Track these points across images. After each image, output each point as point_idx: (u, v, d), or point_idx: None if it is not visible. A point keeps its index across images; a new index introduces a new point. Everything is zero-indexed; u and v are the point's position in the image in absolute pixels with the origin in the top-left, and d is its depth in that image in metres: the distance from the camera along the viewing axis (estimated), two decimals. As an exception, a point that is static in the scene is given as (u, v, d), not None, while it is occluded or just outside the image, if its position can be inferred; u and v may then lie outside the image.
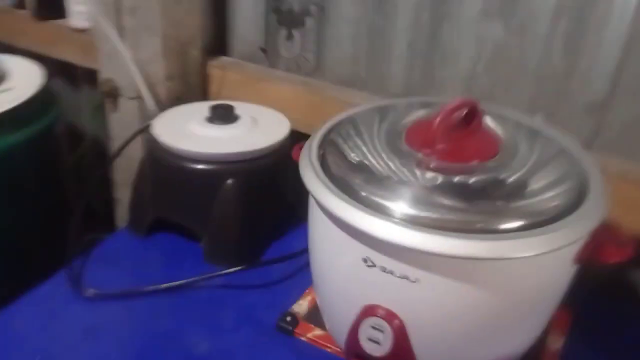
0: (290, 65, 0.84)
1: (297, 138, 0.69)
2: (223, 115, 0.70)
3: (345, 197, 0.43)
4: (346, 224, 0.41)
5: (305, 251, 0.59)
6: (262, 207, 0.68)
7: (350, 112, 0.56)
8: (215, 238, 0.67)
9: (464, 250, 0.38)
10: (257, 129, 0.70)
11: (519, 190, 0.43)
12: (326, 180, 0.45)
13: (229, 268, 0.63)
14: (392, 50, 0.74)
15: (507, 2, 0.64)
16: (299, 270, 0.65)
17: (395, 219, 0.41)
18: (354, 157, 0.47)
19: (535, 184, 0.43)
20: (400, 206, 0.41)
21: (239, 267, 0.62)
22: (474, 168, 0.45)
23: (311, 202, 0.48)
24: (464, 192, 0.42)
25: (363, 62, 0.77)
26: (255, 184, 0.67)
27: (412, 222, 0.40)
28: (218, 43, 0.88)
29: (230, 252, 0.67)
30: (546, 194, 0.43)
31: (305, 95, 0.78)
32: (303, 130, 0.73)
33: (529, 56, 0.65)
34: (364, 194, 0.43)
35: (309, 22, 0.79)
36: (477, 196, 0.42)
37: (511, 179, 0.43)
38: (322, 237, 0.48)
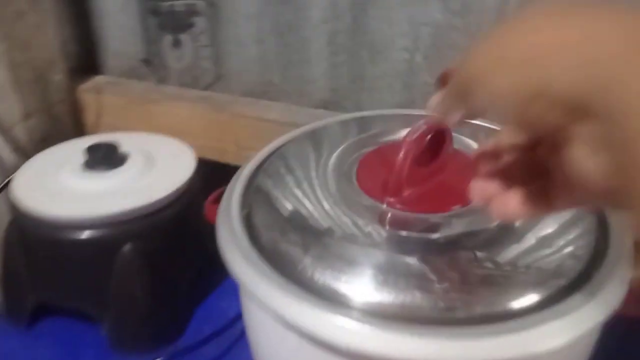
0: (184, 78, 0.68)
1: (205, 170, 0.55)
2: (105, 157, 0.53)
3: (296, 291, 0.30)
4: (303, 331, 0.29)
5: (238, 318, 0.46)
6: (174, 270, 0.54)
7: (274, 144, 0.43)
8: (119, 321, 0.52)
9: (482, 356, 0.27)
10: (153, 170, 0.54)
11: (521, 243, 0.32)
12: (263, 264, 0.32)
13: (142, 354, 0.49)
14: (309, 47, 0.60)
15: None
16: (234, 343, 0.52)
17: (375, 318, 0.28)
18: (293, 217, 0.35)
19: (538, 227, 0.33)
20: (373, 294, 0.29)
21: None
22: (456, 217, 0.33)
23: (243, 291, 0.35)
24: (453, 258, 0.31)
25: (274, 65, 0.63)
26: (161, 244, 0.52)
27: (397, 319, 0.28)
28: (88, 60, 0.71)
29: (142, 335, 0.52)
30: (554, 238, 0.32)
31: (207, 114, 0.64)
32: (211, 157, 0.59)
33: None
34: (318, 279, 0.30)
35: (199, 22, 0.63)
36: (471, 262, 0.31)
37: (507, 229, 0.33)
38: (268, 341, 0.35)
